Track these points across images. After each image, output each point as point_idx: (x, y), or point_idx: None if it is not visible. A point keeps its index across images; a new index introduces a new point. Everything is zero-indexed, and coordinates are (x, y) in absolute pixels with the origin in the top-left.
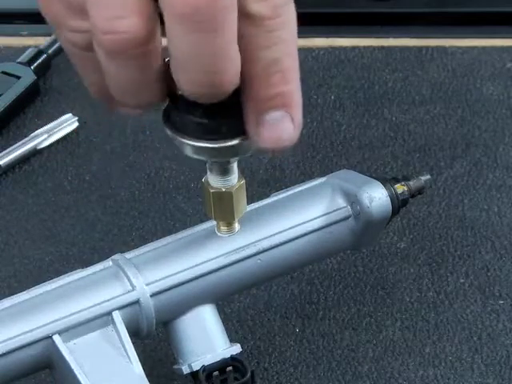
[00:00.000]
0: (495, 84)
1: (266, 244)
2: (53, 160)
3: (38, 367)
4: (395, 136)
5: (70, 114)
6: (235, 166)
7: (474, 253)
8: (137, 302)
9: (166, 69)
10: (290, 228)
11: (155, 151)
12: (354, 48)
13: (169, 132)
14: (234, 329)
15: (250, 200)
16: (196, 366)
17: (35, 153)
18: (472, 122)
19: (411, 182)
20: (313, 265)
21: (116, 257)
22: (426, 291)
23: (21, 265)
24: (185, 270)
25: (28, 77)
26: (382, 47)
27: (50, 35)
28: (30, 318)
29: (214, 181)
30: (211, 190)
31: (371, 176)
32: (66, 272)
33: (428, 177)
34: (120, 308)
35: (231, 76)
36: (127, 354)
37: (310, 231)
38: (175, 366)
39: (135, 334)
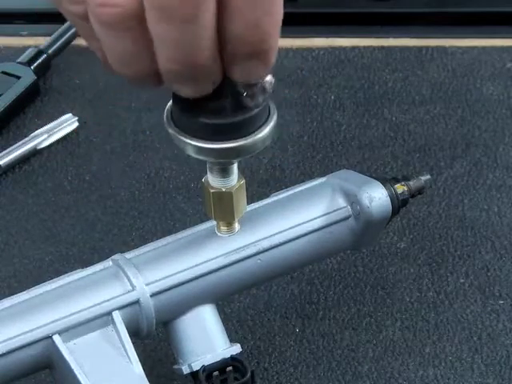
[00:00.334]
0: (495, 84)
1: (266, 244)
2: (53, 160)
3: (38, 367)
4: (395, 136)
5: (70, 114)
6: (235, 166)
7: (474, 253)
8: (137, 302)
9: None
10: (290, 228)
11: (155, 151)
12: (353, 48)
13: (171, 132)
14: (233, 329)
15: (250, 200)
16: (196, 366)
17: (35, 153)
18: (472, 122)
19: (411, 182)
20: (313, 265)
21: (116, 257)
22: (426, 291)
23: (21, 265)
24: (185, 270)
25: (28, 77)
26: (382, 47)
27: (49, 35)
28: (30, 318)
29: (214, 181)
30: (211, 190)
31: (371, 176)
32: (66, 272)
33: (428, 177)
34: (120, 308)
35: (206, 52)
36: (127, 354)
37: (310, 231)
38: (175, 366)
39: (135, 334)
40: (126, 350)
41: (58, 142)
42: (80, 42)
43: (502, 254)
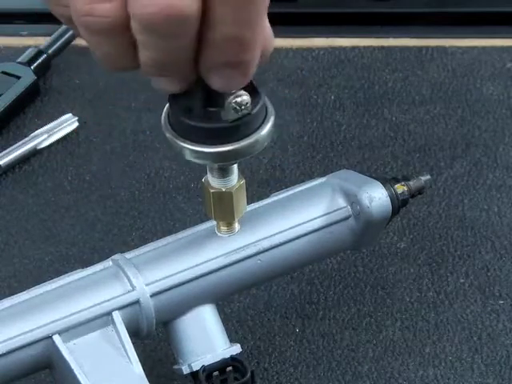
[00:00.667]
0: (495, 84)
1: (266, 244)
2: (53, 160)
3: (38, 367)
4: (395, 136)
5: (70, 114)
6: (235, 166)
7: (474, 253)
8: (137, 302)
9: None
10: (290, 228)
11: (155, 151)
12: (353, 48)
13: (169, 136)
14: (233, 329)
15: (250, 200)
16: (196, 366)
17: (35, 153)
18: (472, 122)
19: (411, 182)
20: (313, 265)
21: (116, 257)
22: (426, 291)
23: (21, 265)
24: (185, 270)
25: (28, 77)
26: (382, 47)
27: (49, 35)
28: (30, 318)
29: (214, 181)
30: (211, 190)
31: (371, 176)
32: (66, 272)
33: (428, 177)
34: (120, 308)
35: (185, 55)
36: (127, 354)
37: (310, 231)
38: (175, 366)
39: (135, 333)
40: (125, 350)
41: (58, 142)
42: (80, 41)
43: (502, 254)
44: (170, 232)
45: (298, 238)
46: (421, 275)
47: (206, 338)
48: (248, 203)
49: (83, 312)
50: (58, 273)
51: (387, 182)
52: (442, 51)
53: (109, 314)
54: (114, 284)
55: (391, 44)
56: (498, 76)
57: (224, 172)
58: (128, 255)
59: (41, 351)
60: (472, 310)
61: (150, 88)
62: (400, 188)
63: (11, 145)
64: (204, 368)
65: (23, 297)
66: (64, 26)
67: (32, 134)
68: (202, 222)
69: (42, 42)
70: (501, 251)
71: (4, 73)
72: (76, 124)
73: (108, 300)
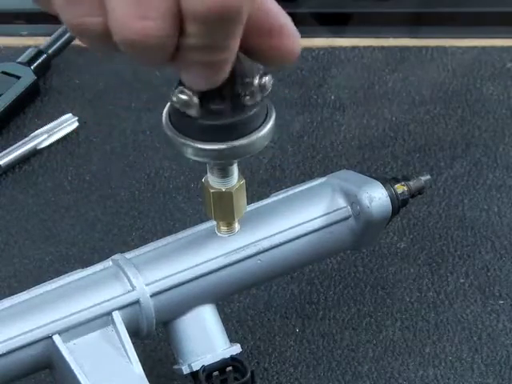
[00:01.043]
0: (495, 84)
1: (266, 244)
2: (53, 160)
3: (38, 367)
4: (395, 136)
5: (70, 114)
6: (235, 166)
7: (474, 253)
8: (137, 302)
9: None
10: (290, 228)
11: (155, 151)
12: (353, 48)
13: (169, 134)
14: (233, 329)
15: (250, 200)
16: (196, 366)
17: (35, 153)
18: (472, 122)
19: (411, 182)
20: (313, 265)
21: (116, 257)
22: (426, 291)
23: (21, 265)
24: (185, 270)
25: (28, 77)
26: (382, 47)
27: (50, 35)
28: (30, 318)
29: (214, 181)
30: (211, 190)
31: (371, 176)
32: (66, 272)
33: (428, 177)
34: (120, 308)
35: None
36: (127, 354)
37: (310, 231)
38: (175, 366)
39: (135, 333)
40: (126, 350)
41: (58, 142)
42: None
43: (502, 254)
44: (170, 232)
45: (298, 237)
46: (421, 275)
47: (206, 338)
48: (248, 203)
49: (83, 312)
50: (58, 273)
51: (387, 182)
52: (442, 51)
53: (109, 314)
54: (113, 284)
55: (391, 44)
56: (498, 76)
57: (224, 172)
58: (128, 255)
59: (41, 351)
60: (472, 309)
61: (150, 88)
62: (400, 188)
63: (11, 145)
64: (204, 368)
65: (23, 297)
66: (64, 26)
67: (32, 134)
68: (202, 222)
69: (41, 41)
70: (501, 251)
71: (4, 73)
72: (76, 124)
73: (108, 300)
